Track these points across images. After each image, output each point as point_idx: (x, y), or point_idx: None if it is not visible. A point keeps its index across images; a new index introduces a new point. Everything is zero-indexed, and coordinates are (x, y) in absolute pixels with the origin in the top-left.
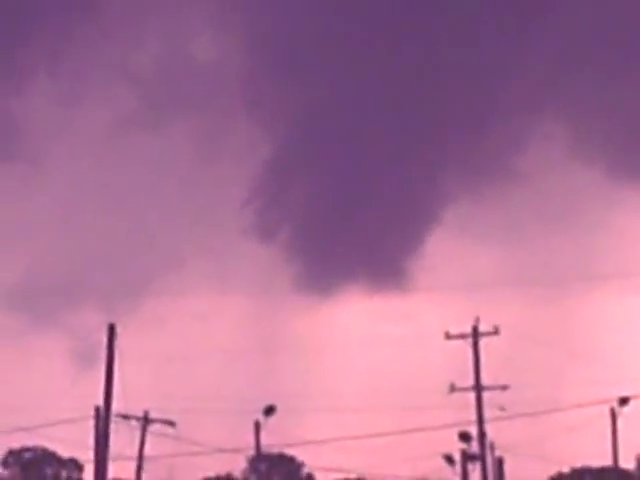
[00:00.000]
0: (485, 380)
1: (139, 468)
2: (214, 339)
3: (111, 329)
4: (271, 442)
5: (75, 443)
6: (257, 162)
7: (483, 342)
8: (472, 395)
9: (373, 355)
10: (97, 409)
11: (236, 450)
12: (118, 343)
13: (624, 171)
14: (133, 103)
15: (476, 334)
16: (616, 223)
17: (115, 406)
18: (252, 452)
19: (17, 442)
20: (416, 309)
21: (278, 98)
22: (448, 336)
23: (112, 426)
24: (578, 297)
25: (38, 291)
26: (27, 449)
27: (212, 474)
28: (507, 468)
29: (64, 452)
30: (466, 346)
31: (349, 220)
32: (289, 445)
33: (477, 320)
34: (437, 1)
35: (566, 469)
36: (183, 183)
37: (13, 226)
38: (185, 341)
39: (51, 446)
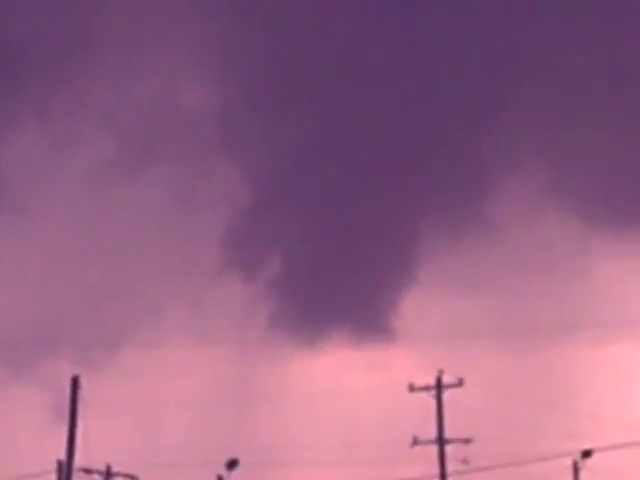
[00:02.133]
0: (449, 433)
1: None
2: (185, 392)
3: (74, 382)
4: None
5: None
6: (236, 209)
7: (447, 394)
8: (435, 448)
9: (340, 407)
10: (59, 463)
11: None
12: (86, 396)
13: (603, 219)
14: (113, 149)
15: (439, 386)
16: (593, 272)
17: (79, 460)
18: None
19: None
20: (387, 361)
21: (258, 143)
22: (412, 388)
23: None
24: (548, 348)
25: (11, 342)
26: None
27: None
28: None
29: None
30: (430, 398)
31: (324, 277)
32: None
33: (441, 372)
34: None
35: None
36: (162, 230)
37: None
38: (155, 394)
39: None
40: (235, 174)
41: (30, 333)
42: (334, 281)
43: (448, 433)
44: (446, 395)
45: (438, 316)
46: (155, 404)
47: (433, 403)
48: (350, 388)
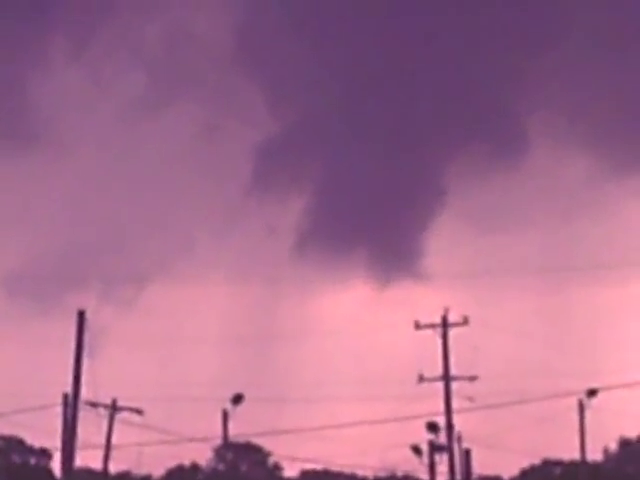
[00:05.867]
0: (454, 371)
1: (106, 456)
2: (207, 329)
3: (81, 316)
4: (239, 431)
5: (44, 431)
6: (263, 141)
7: (453, 333)
8: (441, 385)
9: (359, 343)
10: (65, 396)
11: (204, 439)
12: (110, 330)
13: (628, 160)
14: (143, 84)
15: (445, 324)
16: (617, 213)
17: (88, 393)
18: (219, 441)
19: None
20: (408, 299)
21: (284, 74)
22: (418, 326)
23: (80, 414)
24: (566, 287)
25: (39, 275)
26: (3, 437)
27: (180, 462)
28: (475, 459)
29: (33, 440)
30: (436, 336)
31: (351, 217)
32: (257, 434)
33: (446, 310)
34: None
35: (537, 461)
36: (191, 164)
37: (19, 209)
38: (177, 331)
39: (20, 433)
40: (261, 106)
41: (58, 267)
42: (360, 221)
43: (456, 371)
44: (469, 332)
45: (463, 255)
46: (175, 340)
47: (437, 341)
48: (368, 324)
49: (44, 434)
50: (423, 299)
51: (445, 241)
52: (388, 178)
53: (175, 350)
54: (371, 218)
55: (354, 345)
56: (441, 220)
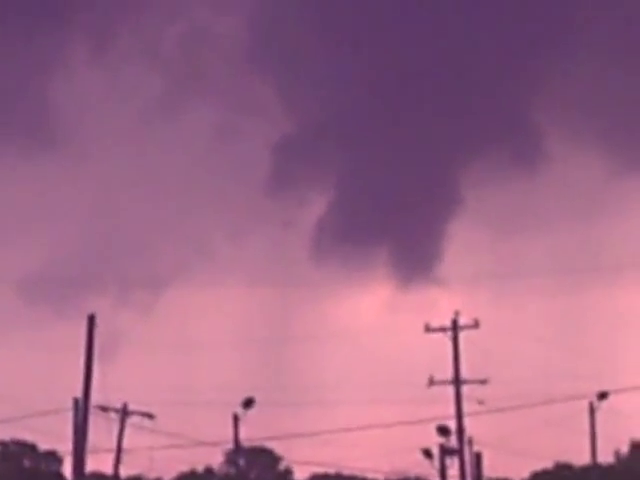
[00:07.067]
0: (465, 374)
1: (117, 460)
2: (214, 331)
3: (91, 320)
4: (250, 435)
5: (55, 435)
6: (281, 141)
7: (464, 336)
8: (451, 389)
9: (362, 346)
10: (75, 401)
11: (215, 443)
12: (128, 334)
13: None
14: (160, 86)
15: (456, 327)
16: (621, 214)
17: (96, 398)
18: (230, 445)
19: None
20: (410, 303)
21: (301, 72)
22: (428, 329)
23: (91, 418)
24: (579, 290)
25: (58, 279)
26: (15, 442)
27: (191, 467)
28: (485, 463)
29: (44, 444)
30: (446, 339)
31: (370, 218)
32: (268, 438)
33: (457, 314)
34: None
35: (548, 465)
36: (207, 166)
37: (36, 212)
38: (185, 333)
39: (31, 438)
40: (278, 105)
41: (74, 270)
42: (379, 222)
43: (465, 374)
44: (480, 335)
45: (479, 258)
46: (190, 344)
47: (447, 344)
48: (382, 328)
49: (55, 438)
50: (438, 303)
51: (462, 245)
52: (406, 181)
53: (189, 354)
54: (388, 222)
55: (365, 348)
56: (458, 224)
